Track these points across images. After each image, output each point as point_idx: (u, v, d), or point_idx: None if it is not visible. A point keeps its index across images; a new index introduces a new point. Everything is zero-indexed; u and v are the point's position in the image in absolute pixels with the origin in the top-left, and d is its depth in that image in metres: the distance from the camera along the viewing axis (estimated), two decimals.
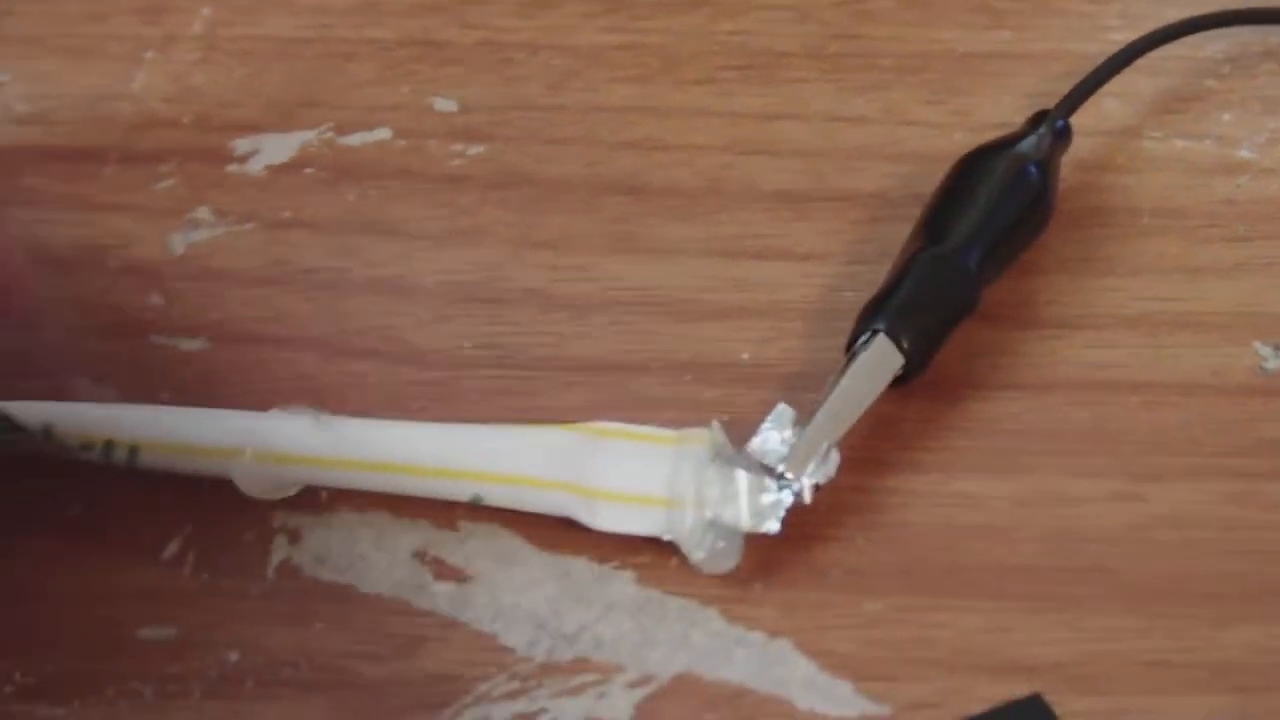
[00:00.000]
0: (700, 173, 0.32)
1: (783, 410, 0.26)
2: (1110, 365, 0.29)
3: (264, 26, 0.38)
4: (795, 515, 0.25)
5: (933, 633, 0.25)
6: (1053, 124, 0.30)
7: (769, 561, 0.25)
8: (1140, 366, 0.29)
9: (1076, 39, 0.35)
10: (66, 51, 0.38)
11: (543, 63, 0.36)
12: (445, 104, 0.35)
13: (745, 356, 0.29)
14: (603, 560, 0.26)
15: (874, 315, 0.27)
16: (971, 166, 0.30)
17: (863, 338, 0.27)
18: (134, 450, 0.27)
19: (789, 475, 0.25)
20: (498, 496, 0.26)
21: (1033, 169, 0.29)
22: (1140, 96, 0.34)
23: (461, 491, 0.26)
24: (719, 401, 0.28)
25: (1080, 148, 0.32)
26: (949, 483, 0.27)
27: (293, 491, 0.26)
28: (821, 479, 0.25)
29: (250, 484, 0.26)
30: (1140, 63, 0.34)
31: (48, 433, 0.27)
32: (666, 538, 0.25)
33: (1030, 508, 0.26)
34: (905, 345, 0.27)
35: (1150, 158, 0.32)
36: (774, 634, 0.25)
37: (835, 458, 0.25)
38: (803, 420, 0.26)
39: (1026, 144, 0.30)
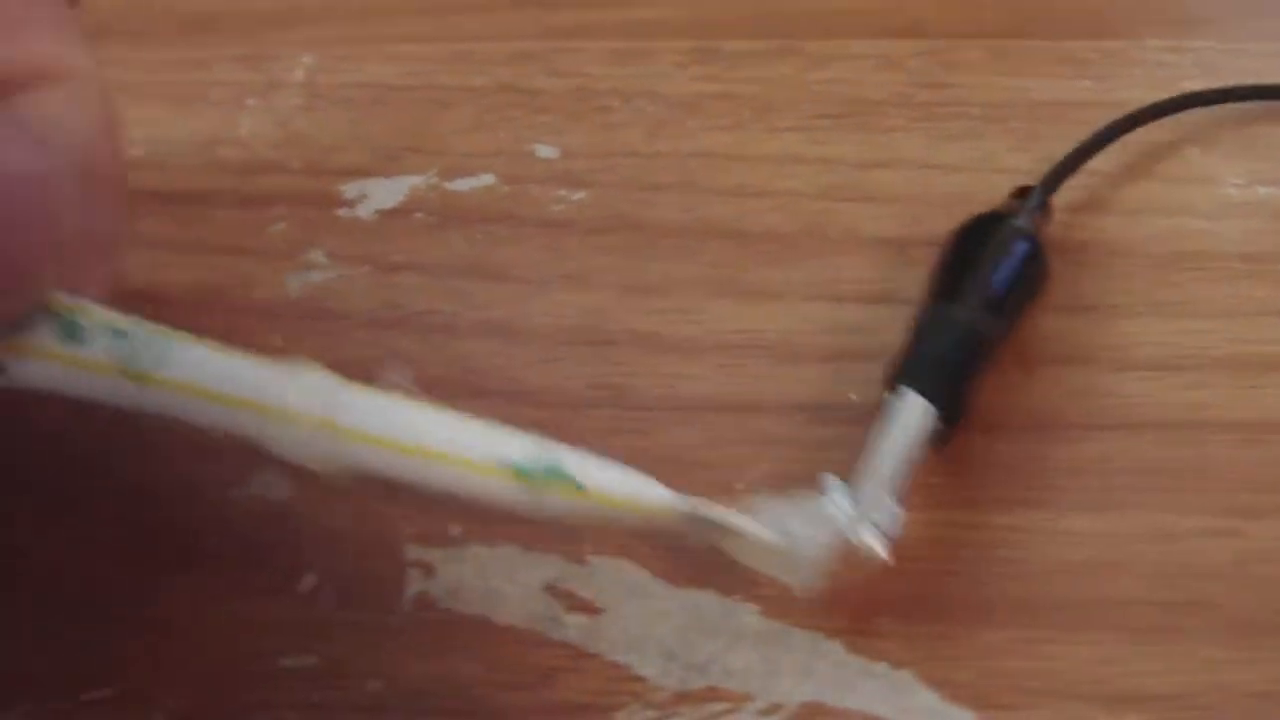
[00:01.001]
0: (797, 218, 0.33)
1: (832, 481, 0.26)
2: (1204, 405, 0.29)
3: (364, 74, 0.39)
4: (915, 551, 0.26)
5: (1047, 664, 0.26)
6: (1037, 201, 0.32)
7: (891, 596, 0.26)
8: (1233, 406, 0.29)
9: (1156, 88, 0.36)
10: (172, 99, 0.39)
11: (637, 110, 0.37)
12: (546, 150, 0.36)
13: (854, 398, 0.29)
14: (728, 593, 0.26)
15: (902, 373, 0.28)
16: (970, 234, 0.31)
17: (891, 394, 0.28)
18: (160, 356, 0.23)
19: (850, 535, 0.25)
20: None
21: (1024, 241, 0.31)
22: (1221, 145, 0.34)
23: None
24: (834, 440, 0.28)
25: (1165, 194, 0.33)
26: (1058, 520, 0.27)
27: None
28: (888, 529, 0.26)
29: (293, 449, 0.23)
30: (1219, 111, 0.35)
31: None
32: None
33: (1134, 544, 0.27)
34: (937, 399, 0.27)
35: (1234, 204, 0.33)
36: (897, 665, 0.26)
37: (897, 510, 0.26)
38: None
39: (1021, 219, 0.31)
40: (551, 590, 0.27)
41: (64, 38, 0.23)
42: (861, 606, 0.26)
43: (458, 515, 0.27)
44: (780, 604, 0.26)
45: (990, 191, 0.33)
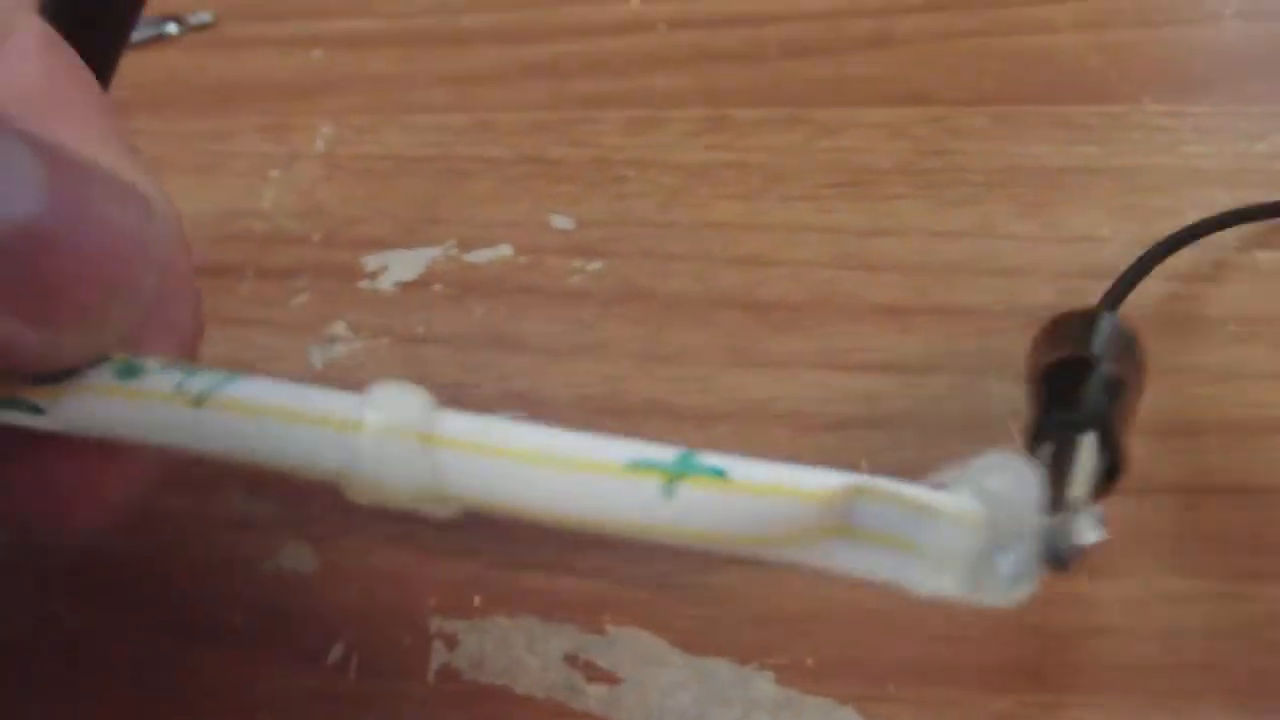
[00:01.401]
0: (807, 287, 0.34)
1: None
2: (1209, 470, 0.30)
3: (383, 144, 0.40)
4: (924, 615, 0.27)
5: None
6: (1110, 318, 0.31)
7: (901, 661, 0.27)
8: (1237, 470, 0.30)
9: (1157, 152, 0.37)
10: (194, 170, 0.40)
11: (652, 180, 0.37)
12: (562, 221, 0.37)
13: (864, 465, 0.30)
14: (743, 661, 0.27)
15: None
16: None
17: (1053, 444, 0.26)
18: (224, 381, 0.20)
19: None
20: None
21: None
22: (1219, 208, 0.35)
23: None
24: None
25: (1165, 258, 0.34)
26: (1063, 585, 0.28)
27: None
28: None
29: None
30: (1218, 176, 0.35)
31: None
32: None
33: (1142, 608, 0.28)
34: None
35: (1232, 268, 0.34)
36: None
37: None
38: None
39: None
40: (571, 661, 0.27)
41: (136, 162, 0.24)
42: (873, 672, 0.27)
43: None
44: (793, 672, 0.27)
45: (991, 259, 0.33)
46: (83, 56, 0.25)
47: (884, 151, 0.38)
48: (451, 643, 0.28)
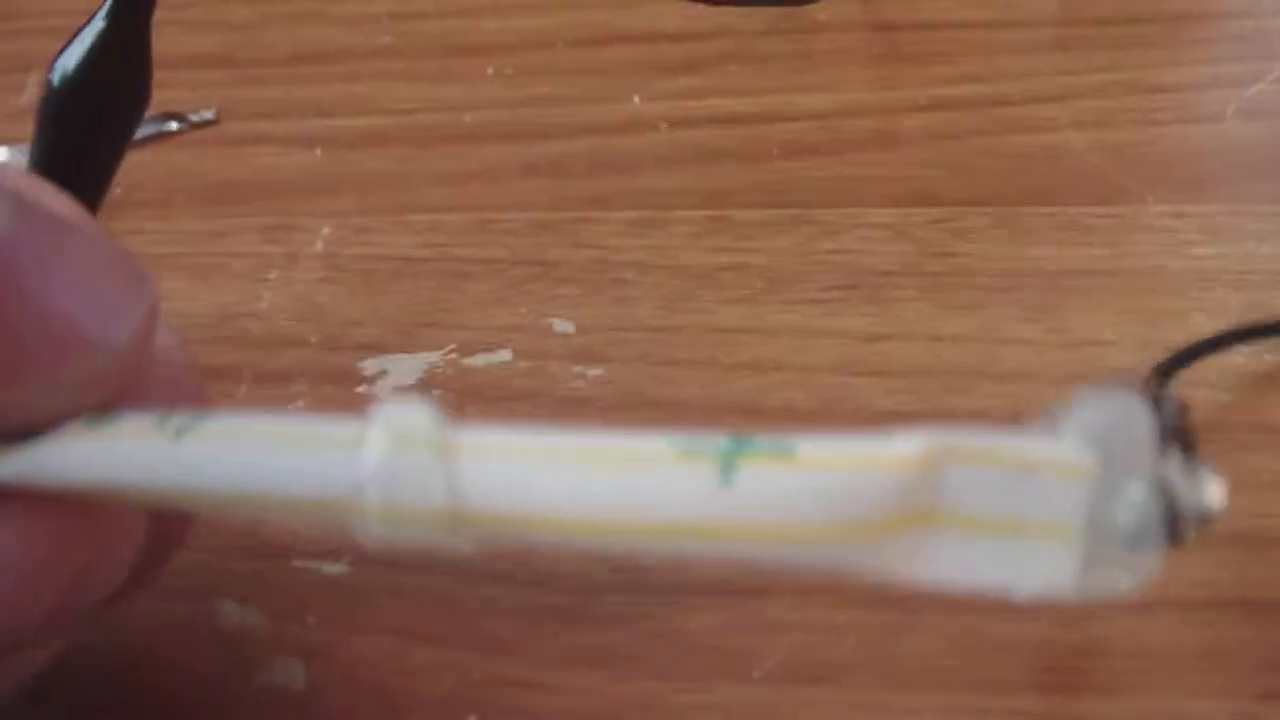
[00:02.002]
0: (813, 394, 0.34)
1: None
2: (1217, 584, 0.29)
3: (383, 245, 0.40)
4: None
5: None
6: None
7: None
8: (1248, 585, 0.29)
9: (1162, 254, 0.36)
10: (191, 270, 0.40)
11: (654, 283, 0.37)
12: (563, 325, 0.36)
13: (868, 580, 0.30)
14: None
15: None
16: None
17: None
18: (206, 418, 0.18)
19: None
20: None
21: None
22: (1227, 309, 0.35)
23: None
24: (845, 624, 0.29)
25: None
26: (1069, 703, 0.28)
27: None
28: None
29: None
30: (1225, 277, 0.35)
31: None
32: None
33: None
34: None
35: (1242, 373, 0.33)
36: None
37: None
38: None
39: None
40: None
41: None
42: None
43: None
44: None
45: (996, 364, 0.33)
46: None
47: (888, 253, 0.37)
48: None
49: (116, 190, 0.42)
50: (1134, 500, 0.16)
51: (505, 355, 0.36)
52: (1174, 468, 0.17)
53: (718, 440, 0.16)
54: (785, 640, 0.28)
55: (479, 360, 0.36)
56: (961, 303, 0.36)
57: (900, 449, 0.16)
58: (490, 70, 0.45)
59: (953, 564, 0.16)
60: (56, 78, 0.30)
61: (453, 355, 0.36)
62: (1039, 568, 0.16)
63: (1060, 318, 0.35)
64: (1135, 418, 0.16)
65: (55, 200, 0.22)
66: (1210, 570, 0.30)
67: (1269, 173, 0.39)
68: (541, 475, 0.16)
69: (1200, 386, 0.33)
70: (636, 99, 0.43)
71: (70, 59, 0.30)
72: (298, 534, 0.31)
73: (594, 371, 0.35)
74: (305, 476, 0.17)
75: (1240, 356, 0.34)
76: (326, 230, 0.40)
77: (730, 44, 0.45)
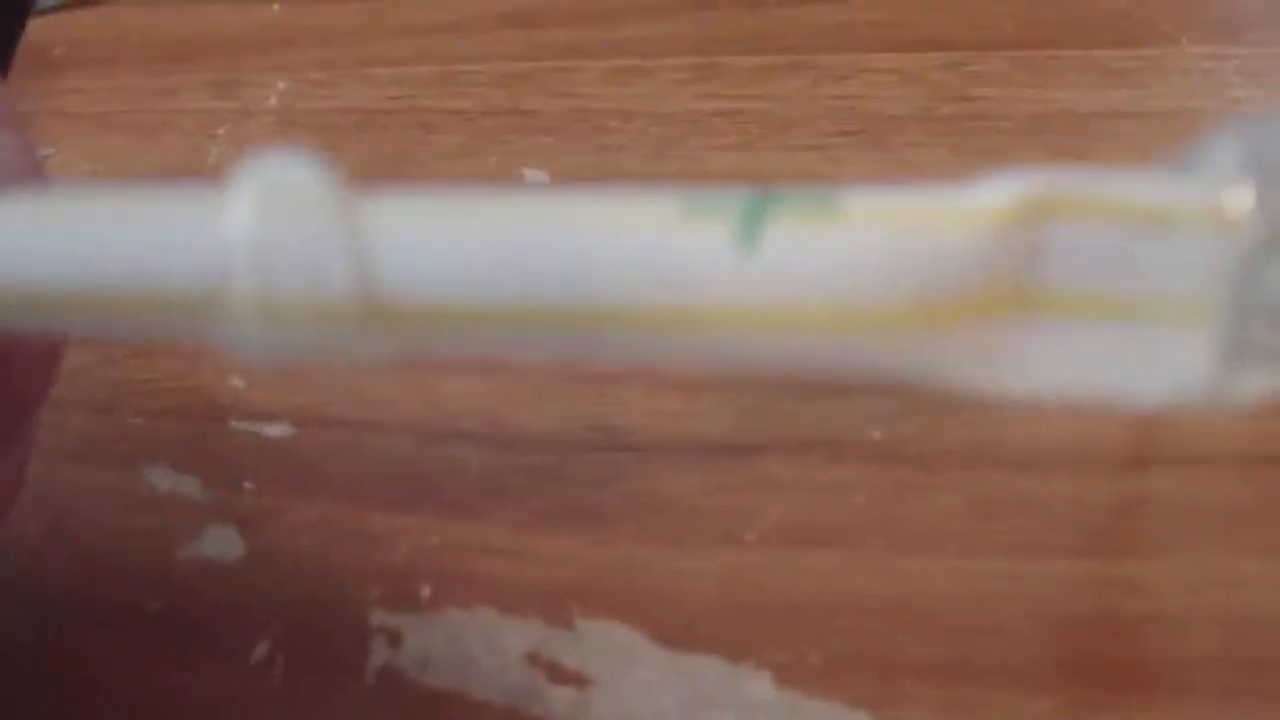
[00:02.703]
0: None
1: None
2: (1268, 437, 0.26)
3: (342, 99, 0.36)
4: (948, 606, 0.23)
5: None
6: None
7: (921, 658, 0.23)
8: None
9: (1199, 96, 0.33)
10: (138, 128, 0.36)
11: (638, 131, 0.34)
12: (536, 175, 0.33)
13: (877, 435, 0.26)
14: (735, 659, 0.23)
15: None
16: None
17: None
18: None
19: None
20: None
21: None
22: None
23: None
24: (851, 482, 0.25)
25: None
26: (1109, 568, 0.24)
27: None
28: None
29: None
30: None
31: None
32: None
33: (1199, 593, 0.24)
34: None
35: None
36: None
37: None
38: None
39: None
40: (534, 660, 0.24)
41: None
42: (888, 670, 0.23)
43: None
44: (795, 671, 0.23)
45: None
46: None
47: (896, 98, 0.34)
48: (395, 639, 0.24)
49: (58, 50, 0.39)
50: None
51: None
52: None
53: (737, 195, 0.11)
54: (782, 500, 0.25)
55: None
56: (979, 148, 0.33)
57: (985, 198, 0.12)
58: None
59: (1055, 363, 0.12)
60: None
61: None
62: (1169, 362, 0.12)
63: (1089, 160, 0.32)
64: None
65: None
66: (1266, 423, 0.26)
67: None
68: (490, 248, 0.12)
69: None
70: None
71: None
72: (238, 393, 0.28)
73: None
74: (148, 259, 0.12)
75: None
76: (281, 85, 0.37)
77: None
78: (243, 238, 0.12)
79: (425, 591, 0.25)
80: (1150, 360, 0.12)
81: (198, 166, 0.35)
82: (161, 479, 0.27)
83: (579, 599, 0.24)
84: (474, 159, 0.34)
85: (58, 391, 0.20)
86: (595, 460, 0.27)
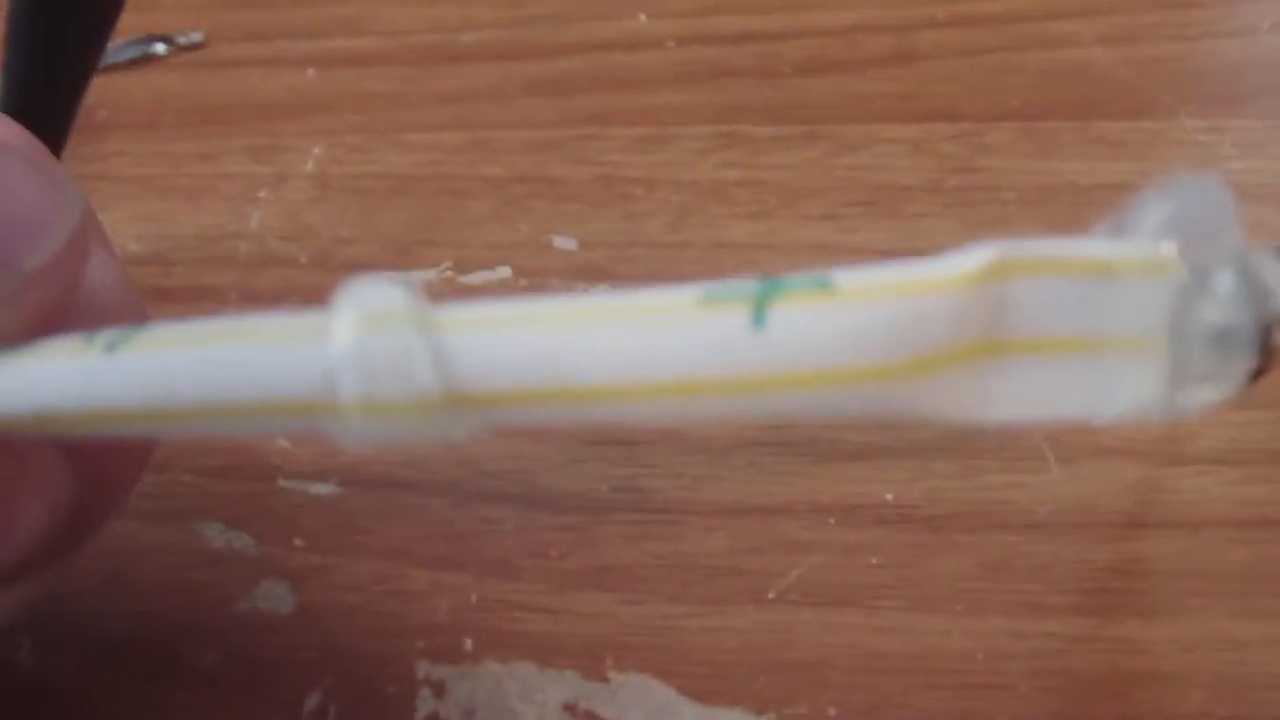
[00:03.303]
0: None
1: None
2: (1263, 501, 0.28)
3: (376, 164, 0.38)
4: (956, 664, 0.25)
5: None
6: None
7: (934, 712, 0.25)
8: None
9: (1195, 169, 0.34)
10: (179, 191, 0.38)
11: (661, 199, 0.35)
12: (565, 242, 0.34)
13: (889, 498, 0.28)
14: (759, 711, 0.25)
15: None
16: None
17: None
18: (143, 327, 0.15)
19: None
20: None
21: None
22: (1272, 225, 0.33)
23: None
24: (865, 544, 0.27)
25: None
26: (1109, 627, 0.26)
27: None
28: None
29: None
30: (1262, 192, 0.33)
31: None
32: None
33: (1195, 653, 0.25)
34: None
35: None
36: None
37: None
38: None
39: None
40: (571, 710, 0.25)
41: None
42: None
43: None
44: None
45: None
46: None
47: (907, 169, 0.35)
48: (440, 690, 0.26)
49: (101, 113, 0.40)
50: (1223, 292, 0.14)
51: (504, 272, 0.34)
52: (1263, 256, 0.15)
53: (746, 283, 0.14)
54: (803, 561, 0.27)
55: (476, 278, 0.34)
56: (985, 218, 0.34)
57: (956, 267, 0.14)
58: None
59: (1026, 396, 0.14)
60: None
61: (449, 273, 0.34)
62: (1122, 388, 0.14)
63: (1092, 232, 0.33)
64: (1216, 202, 0.15)
65: None
66: (1257, 489, 0.28)
67: None
68: (543, 341, 0.14)
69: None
70: (643, 17, 0.41)
71: None
72: (286, 454, 0.30)
73: (598, 288, 0.33)
74: (265, 375, 0.14)
75: None
76: (318, 150, 0.38)
77: None
78: (346, 354, 0.14)
79: (468, 645, 0.26)
80: (1106, 386, 0.14)
81: (238, 230, 0.36)
82: (215, 535, 0.29)
83: (613, 653, 0.26)
84: (504, 225, 0.35)
85: None
86: (625, 520, 0.28)
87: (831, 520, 0.28)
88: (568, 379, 0.14)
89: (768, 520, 0.28)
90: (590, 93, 0.39)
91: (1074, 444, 0.28)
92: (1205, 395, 0.15)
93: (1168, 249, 0.14)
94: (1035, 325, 0.14)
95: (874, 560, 0.27)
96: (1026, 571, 0.26)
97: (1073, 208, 0.34)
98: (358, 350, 0.14)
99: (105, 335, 0.15)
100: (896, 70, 0.39)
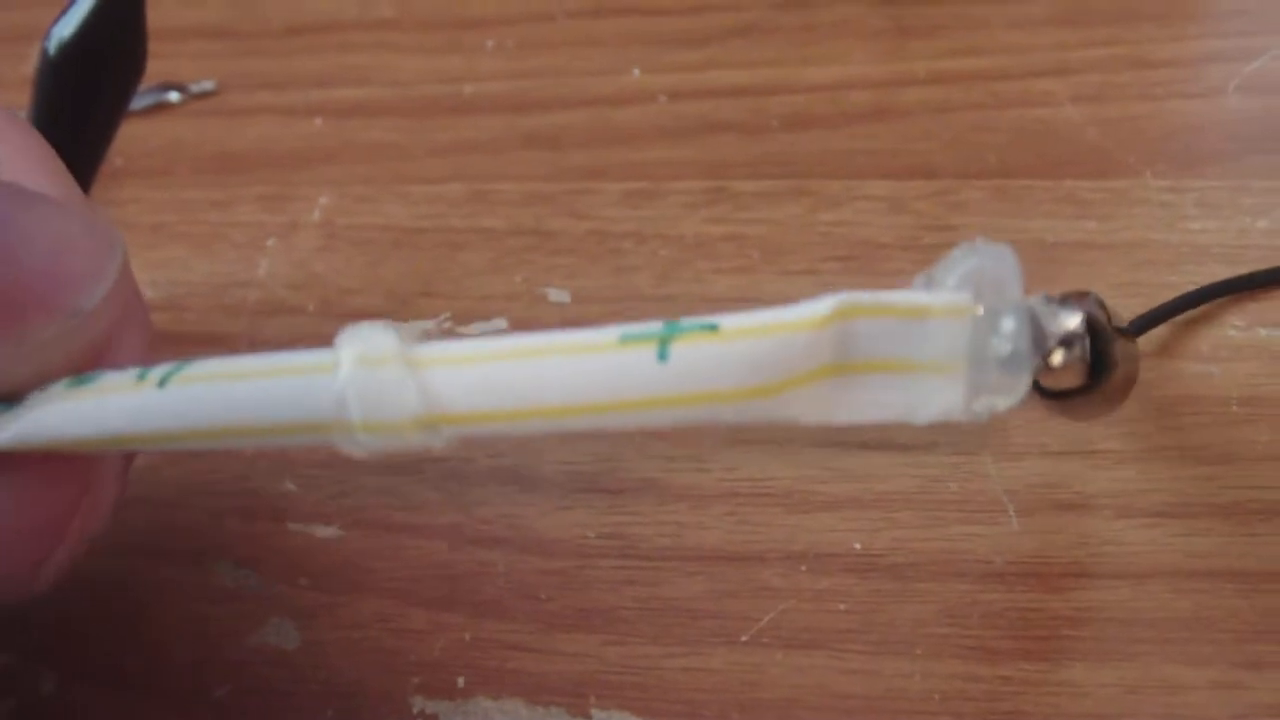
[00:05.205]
0: None
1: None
2: (1207, 554, 0.29)
3: (381, 215, 0.40)
4: (911, 705, 0.26)
5: None
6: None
7: None
8: (1236, 555, 0.29)
9: (1158, 228, 0.36)
10: (192, 238, 0.40)
11: (650, 252, 0.37)
12: (559, 295, 0.36)
13: (857, 546, 0.30)
14: None
15: None
16: None
17: None
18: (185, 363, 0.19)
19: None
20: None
21: None
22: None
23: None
24: (833, 590, 0.29)
25: (1165, 337, 0.33)
26: (1057, 671, 0.28)
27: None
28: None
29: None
30: (1219, 252, 0.35)
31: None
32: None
33: (1137, 696, 0.27)
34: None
35: (1235, 346, 0.33)
36: None
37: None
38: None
39: None
40: None
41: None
42: None
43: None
44: None
45: None
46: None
47: (885, 226, 0.37)
48: None
49: (118, 160, 0.42)
50: (1008, 331, 0.19)
51: (500, 324, 0.36)
52: (1039, 303, 0.21)
53: (654, 326, 0.18)
54: (776, 605, 0.29)
55: (474, 329, 0.36)
56: None
57: (812, 310, 0.18)
58: (490, 43, 0.45)
59: (860, 404, 0.19)
60: (52, 47, 0.30)
61: (448, 324, 0.36)
62: (934, 398, 0.19)
63: (1056, 290, 0.35)
64: (1002, 263, 0.20)
65: (22, 165, 0.22)
66: (1201, 541, 0.30)
67: (1268, 149, 0.39)
68: (501, 373, 0.18)
69: (1192, 359, 0.33)
70: (636, 71, 0.43)
71: (66, 28, 0.30)
72: (293, 497, 0.32)
73: None
74: (289, 402, 0.18)
75: (1232, 330, 0.34)
76: (325, 200, 0.40)
77: (731, 17, 0.45)
78: (352, 385, 0.18)
79: (460, 682, 0.28)
80: (923, 397, 0.19)
81: (248, 278, 0.38)
82: (227, 574, 0.31)
83: (596, 691, 0.28)
84: (501, 277, 0.37)
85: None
86: (610, 565, 0.30)
87: (803, 568, 0.30)
88: (520, 401, 0.18)
89: (744, 567, 0.30)
90: (585, 147, 0.41)
91: (1032, 498, 0.30)
92: (996, 404, 0.19)
93: (965, 298, 0.19)
94: (870, 352, 0.19)
95: (842, 606, 0.28)
96: (983, 618, 0.28)
97: (1038, 264, 0.36)
98: (361, 383, 0.18)
99: (157, 371, 0.19)
100: (876, 126, 0.41)
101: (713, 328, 0.18)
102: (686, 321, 0.18)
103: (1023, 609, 0.29)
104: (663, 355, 0.18)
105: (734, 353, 0.18)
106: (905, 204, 0.38)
